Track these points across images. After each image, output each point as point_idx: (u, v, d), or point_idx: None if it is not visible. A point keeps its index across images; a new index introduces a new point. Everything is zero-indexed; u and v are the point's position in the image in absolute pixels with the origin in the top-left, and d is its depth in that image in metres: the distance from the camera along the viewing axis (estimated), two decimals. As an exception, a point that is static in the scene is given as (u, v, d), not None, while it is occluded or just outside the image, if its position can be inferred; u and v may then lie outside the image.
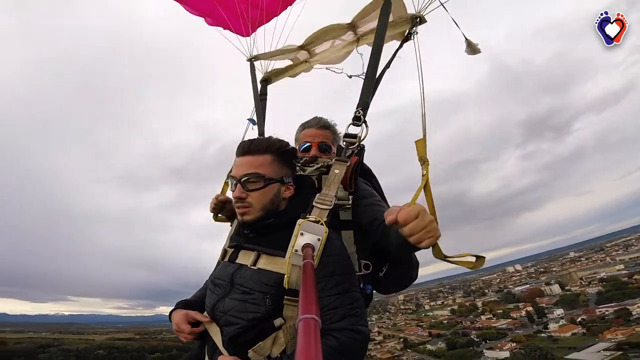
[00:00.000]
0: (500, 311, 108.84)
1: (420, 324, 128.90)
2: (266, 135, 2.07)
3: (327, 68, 2.32)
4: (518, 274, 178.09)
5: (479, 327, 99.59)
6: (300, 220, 1.25)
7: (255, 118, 2.19)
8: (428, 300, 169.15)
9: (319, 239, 1.20)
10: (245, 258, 1.40)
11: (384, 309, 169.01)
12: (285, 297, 1.25)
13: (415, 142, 1.36)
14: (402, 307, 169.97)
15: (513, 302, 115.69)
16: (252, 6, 2.28)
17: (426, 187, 1.29)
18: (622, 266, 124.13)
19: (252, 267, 1.35)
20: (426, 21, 1.76)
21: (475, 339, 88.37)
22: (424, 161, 1.34)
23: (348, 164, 1.49)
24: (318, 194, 1.41)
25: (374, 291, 1.72)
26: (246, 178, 1.41)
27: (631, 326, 68.89)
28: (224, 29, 2.44)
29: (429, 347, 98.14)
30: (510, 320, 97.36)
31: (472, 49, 1.92)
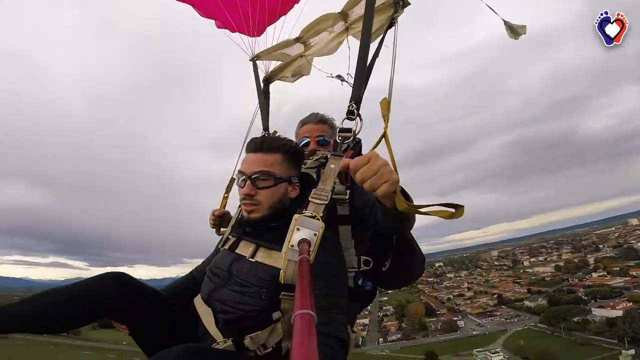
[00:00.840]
0: (617, 268, 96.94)
1: (518, 280, 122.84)
2: (271, 131, 2.12)
3: (318, 69, 2.30)
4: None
5: (589, 284, 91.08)
6: (296, 216, 1.21)
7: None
8: (527, 257, 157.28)
9: (315, 234, 1.17)
10: (244, 249, 1.43)
11: (475, 265, 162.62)
12: (282, 292, 1.26)
13: (380, 102, 1.38)
14: (495, 263, 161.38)
15: (635, 258, 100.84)
16: (259, 7, 2.30)
17: (386, 140, 1.30)
18: None
19: (250, 259, 1.38)
20: (409, 3, 1.70)
21: (584, 297, 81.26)
22: (385, 118, 1.35)
23: (343, 158, 1.45)
24: (314, 189, 1.38)
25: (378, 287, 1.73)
26: (257, 175, 1.42)
27: None
28: (232, 32, 2.47)
29: (527, 303, 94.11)
30: (629, 278, 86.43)
31: (514, 32, 1.76)
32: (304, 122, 2.08)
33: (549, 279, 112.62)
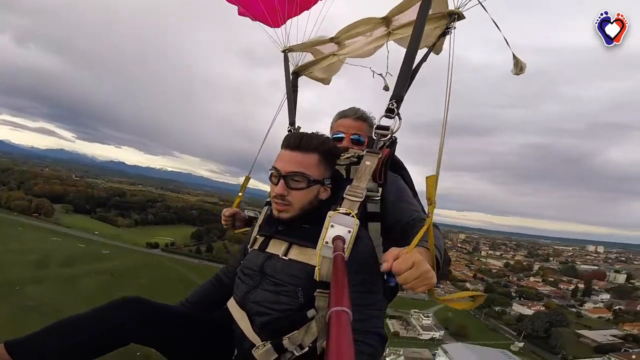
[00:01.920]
0: (552, 279, 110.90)
1: (470, 265, 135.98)
2: (296, 125, 2.10)
3: (354, 65, 2.27)
4: (595, 254, 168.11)
5: (523, 285, 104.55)
6: (330, 212, 1.21)
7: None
8: (487, 248, 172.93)
9: (349, 231, 1.16)
10: (276, 247, 1.40)
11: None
12: (317, 289, 1.25)
13: (426, 178, 1.25)
14: (458, 244, 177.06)
15: (570, 276, 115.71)
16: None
17: (429, 230, 1.20)
18: None
19: (283, 257, 1.35)
20: (464, 17, 1.69)
21: (513, 294, 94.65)
22: (431, 202, 1.24)
23: (379, 156, 1.44)
24: (349, 186, 1.36)
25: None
26: (291, 176, 1.37)
27: None
28: (253, 20, 2.45)
29: (468, 285, 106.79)
30: (555, 289, 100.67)
31: (518, 67, 1.79)
32: (341, 115, 1.99)
33: (494, 271, 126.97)
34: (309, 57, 2.41)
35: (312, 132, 1.55)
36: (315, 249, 1.20)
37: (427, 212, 1.26)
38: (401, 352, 45.08)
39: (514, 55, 1.77)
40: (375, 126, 1.54)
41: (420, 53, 1.64)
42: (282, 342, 1.24)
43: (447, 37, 1.73)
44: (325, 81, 2.53)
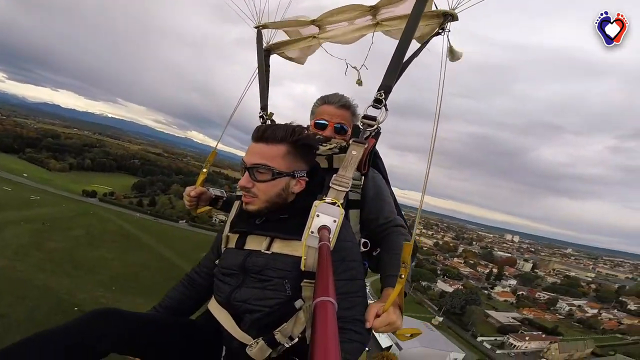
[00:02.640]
0: (472, 262, 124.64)
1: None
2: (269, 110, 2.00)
3: (331, 55, 2.16)
4: (511, 243, 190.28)
5: (447, 265, 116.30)
6: (316, 202, 1.21)
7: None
8: (421, 227, 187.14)
9: (335, 221, 1.17)
10: (255, 244, 1.36)
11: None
12: (304, 279, 1.24)
13: (404, 244, 1.26)
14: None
15: (487, 260, 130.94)
16: None
17: (399, 296, 1.27)
18: (593, 275, 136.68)
19: (266, 251, 1.31)
20: (457, 19, 1.68)
21: (438, 272, 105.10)
22: (405, 265, 1.25)
23: (366, 146, 1.45)
24: (335, 175, 1.37)
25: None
26: (254, 168, 1.34)
27: (545, 312, 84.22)
28: None
29: None
30: (474, 271, 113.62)
31: (454, 55, 1.78)
32: (324, 101, 1.89)
33: (425, 249, 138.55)
34: (281, 34, 2.28)
35: (282, 123, 1.53)
36: (300, 240, 1.22)
37: (400, 275, 1.27)
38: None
39: (449, 43, 1.75)
40: (362, 115, 1.53)
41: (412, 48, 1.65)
42: (274, 337, 1.23)
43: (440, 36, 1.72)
44: (301, 61, 2.38)
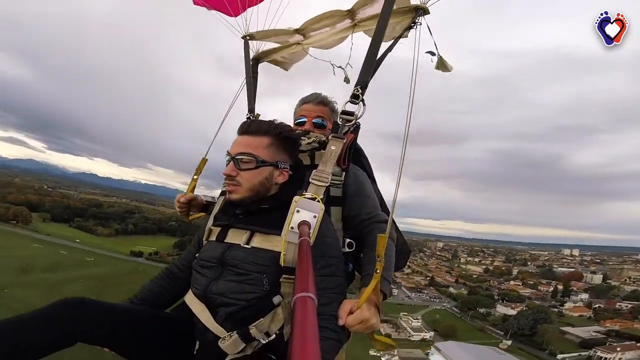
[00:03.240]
0: (532, 282, 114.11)
1: (451, 271, 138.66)
2: (256, 112, 2.08)
3: (315, 58, 2.29)
4: (571, 258, 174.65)
5: (504, 288, 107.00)
6: (296, 197, 1.20)
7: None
8: (466, 255, 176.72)
9: (315, 216, 1.16)
10: (236, 237, 1.37)
11: (420, 249, 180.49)
12: (283, 275, 1.24)
13: (378, 236, 1.29)
14: (437, 252, 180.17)
15: (549, 278, 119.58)
16: None
17: (375, 290, 1.27)
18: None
19: (246, 245, 1.32)
20: (429, 13, 1.72)
21: (496, 297, 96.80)
22: (380, 259, 1.27)
23: (344, 141, 1.47)
24: (314, 170, 1.38)
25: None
26: (239, 157, 1.39)
27: (632, 321, 74.22)
28: (209, 9, 2.38)
29: (451, 289, 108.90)
30: (536, 291, 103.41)
31: (443, 66, 1.87)
32: (304, 101, 1.99)
33: (475, 276, 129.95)
34: (269, 44, 2.40)
35: (257, 117, 1.66)
36: (279, 235, 1.19)
37: (375, 270, 1.27)
38: (395, 353, 45.34)
39: (439, 55, 1.83)
40: (340, 111, 1.52)
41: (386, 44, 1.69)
42: (249, 331, 1.22)
43: (413, 30, 1.75)
44: (286, 66, 2.51)
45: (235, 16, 2.32)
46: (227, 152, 1.46)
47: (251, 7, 2.32)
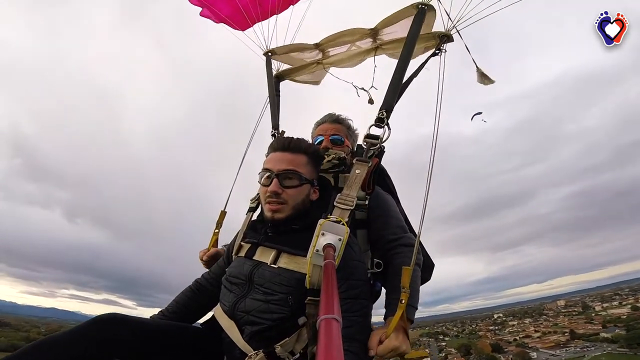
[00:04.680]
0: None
1: (591, 321, 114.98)
2: (281, 130, 2.08)
3: (337, 78, 2.30)
4: None
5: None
6: (321, 220, 1.22)
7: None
8: (599, 303, 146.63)
9: (340, 239, 1.17)
10: (264, 256, 1.39)
11: (540, 313, 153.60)
12: (308, 297, 1.25)
13: (403, 269, 1.32)
14: (562, 310, 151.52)
15: None
16: (255, 2, 2.27)
17: (402, 314, 1.28)
18: None
19: (272, 265, 1.34)
20: (453, 40, 1.76)
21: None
22: (405, 290, 1.30)
23: (369, 164, 1.49)
24: (339, 194, 1.41)
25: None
26: (284, 174, 1.41)
27: None
28: (217, 22, 2.42)
29: (602, 334, 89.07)
30: None
31: (485, 79, 1.89)
32: (319, 123, 2.05)
33: (624, 317, 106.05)
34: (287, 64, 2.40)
35: (282, 134, 1.73)
36: (305, 256, 1.22)
37: (400, 300, 1.30)
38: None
39: (477, 68, 1.88)
40: (365, 135, 1.57)
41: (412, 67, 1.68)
42: (274, 350, 1.23)
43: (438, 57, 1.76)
44: (315, 83, 2.50)
45: (242, 30, 2.35)
46: (265, 168, 1.47)
47: (267, 23, 2.32)
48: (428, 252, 1.82)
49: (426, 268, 1.75)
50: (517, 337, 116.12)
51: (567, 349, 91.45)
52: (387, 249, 1.58)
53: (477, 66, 1.89)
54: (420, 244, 1.55)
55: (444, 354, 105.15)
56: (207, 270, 1.85)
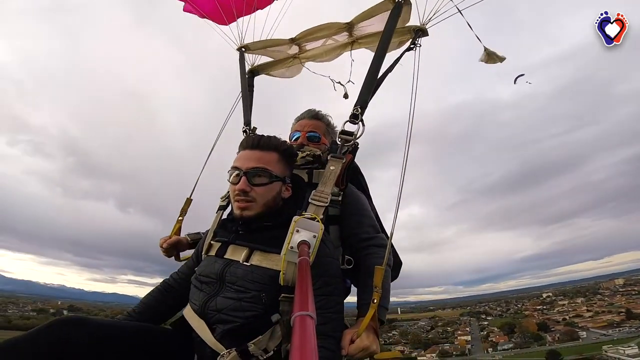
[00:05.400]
0: None
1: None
2: (253, 126, 2.06)
3: (314, 72, 2.26)
4: None
5: None
6: (296, 217, 1.22)
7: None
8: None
9: (314, 236, 1.18)
10: (235, 254, 1.38)
11: (595, 292, 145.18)
12: (282, 294, 1.25)
13: (375, 268, 1.35)
14: (620, 289, 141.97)
15: None
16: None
17: (374, 314, 1.31)
18: None
19: (245, 263, 1.33)
20: (428, 34, 1.75)
21: None
22: (377, 289, 1.32)
23: (343, 161, 1.50)
24: (314, 191, 1.42)
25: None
26: (253, 172, 1.39)
27: None
28: (201, 17, 2.39)
29: None
30: None
31: (492, 58, 1.85)
32: (298, 118, 2.04)
33: None
34: (265, 57, 2.36)
35: (254, 130, 1.70)
36: (279, 253, 1.21)
37: (372, 300, 1.33)
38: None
39: (485, 48, 1.85)
40: (339, 131, 1.59)
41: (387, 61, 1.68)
42: (248, 349, 1.22)
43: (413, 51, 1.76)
44: (287, 77, 2.48)
45: (226, 25, 2.30)
46: (234, 166, 1.46)
47: (245, 18, 2.29)
48: (397, 251, 1.81)
49: (394, 265, 1.74)
50: (567, 317, 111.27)
51: (621, 329, 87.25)
52: (359, 248, 1.59)
53: (484, 46, 1.86)
54: (393, 246, 1.59)
55: (485, 333, 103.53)
56: (168, 257, 1.91)
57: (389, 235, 1.48)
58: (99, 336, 1.20)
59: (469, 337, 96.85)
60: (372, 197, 1.86)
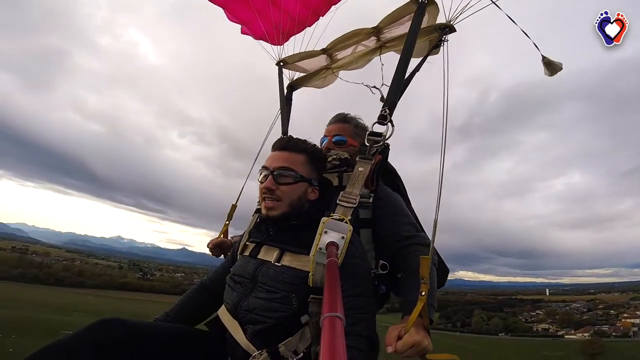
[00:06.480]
0: None
1: None
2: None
3: (347, 82, 2.27)
4: None
5: None
6: (324, 218, 1.23)
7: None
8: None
9: (343, 237, 1.18)
10: (268, 254, 1.40)
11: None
12: (311, 295, 1.25)
13: (421, 258, 1.25)
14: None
15: None
16: (288, 17, 2.38)
17: (423, 307, 1.21)
18: None
19: (276, 263, 1.35)
20: (455, 30, 1.73)
21: None
22: (425, 280, 1.23)
23: (372, 162, 1.50)
24: (342, 192, 1.41)
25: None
26: (279, 171, 1.43)
27: None
28: (256, 38, 2.51)
29: None
30: None
31: (551, 68, 1.77)
32: (328, 124, 2.05)
33: None
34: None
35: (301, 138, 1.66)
36: (308, 255, 1.21)
37: (420, 292, 1.22)
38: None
39: (542, 57, 1.76)
40: (368, 132, 1.56)
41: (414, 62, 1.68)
42: (278, 350, 1.22)
43: (441, 49, 1.75)
44: (322, 87, 2.54)
45: (278, 45, 2.43)
46: (264, 166, 1.50)
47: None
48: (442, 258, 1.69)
49: (441, 272, 1.65)
50: None
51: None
52: (400, 247, 1.50)
53: (542, 55, 1.74)
54: (436, 252, 1.53)
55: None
56: (215, 257, 2.00)
57: (432, 229, 1.33)
58: (135, 334, 1.25)
59: (636, 320, 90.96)
60: (410, 199, 1.79)
